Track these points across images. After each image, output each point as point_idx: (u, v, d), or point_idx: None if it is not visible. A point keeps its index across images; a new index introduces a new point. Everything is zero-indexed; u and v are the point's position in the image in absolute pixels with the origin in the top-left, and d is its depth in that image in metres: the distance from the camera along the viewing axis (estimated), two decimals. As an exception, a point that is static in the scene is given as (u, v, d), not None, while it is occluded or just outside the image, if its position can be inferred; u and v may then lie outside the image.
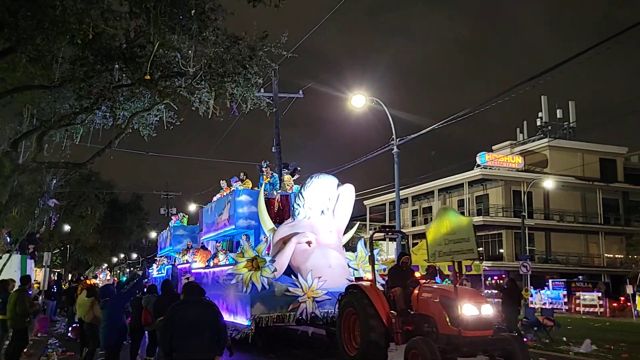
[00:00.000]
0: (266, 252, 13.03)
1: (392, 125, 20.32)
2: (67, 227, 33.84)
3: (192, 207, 30.50)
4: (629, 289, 28.51)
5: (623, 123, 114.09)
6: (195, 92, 12.26)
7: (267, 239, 13.61)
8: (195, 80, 11.64)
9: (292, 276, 12.67)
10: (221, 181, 16.86)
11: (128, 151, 24.49)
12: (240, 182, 15.44)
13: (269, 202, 14.36)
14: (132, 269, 57.67)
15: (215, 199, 17.09)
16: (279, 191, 14.96)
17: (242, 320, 12.37)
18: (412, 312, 9.53)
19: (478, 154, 43.92)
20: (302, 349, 13.21)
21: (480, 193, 45.58)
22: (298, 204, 13.29)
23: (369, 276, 12.49)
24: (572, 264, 42.76)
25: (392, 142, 20.34)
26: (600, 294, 31.82)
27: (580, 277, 37.99)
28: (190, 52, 11.04)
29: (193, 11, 10.29)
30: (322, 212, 13.51)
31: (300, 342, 13.89)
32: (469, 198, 45.74)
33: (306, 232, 13.13)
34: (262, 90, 13.28)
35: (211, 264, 15.42)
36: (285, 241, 13.07)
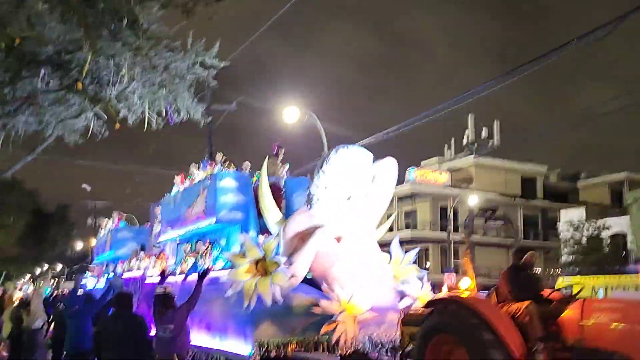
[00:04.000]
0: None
1: (324, 140, 20.75)
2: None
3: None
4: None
5: (543, 142, 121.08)
6: (125, 99, 12.13)
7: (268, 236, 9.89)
8: (128, 90, 11.55)
9: (324, 285, 9.13)
10: (191, 165, 13.28)
11: (53, 159, 23.61)
12: (215, 165, 12.07)
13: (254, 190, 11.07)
14: (57, 279, 54.99)
15: (173, 192, 13.64)
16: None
17: (237, 348, 8.92)
18: (562, 345, 6.20)
19: (408, 169, 45.38)
20: None
21: (409, 208, 46.98)
22: (317, 186, 9.56)
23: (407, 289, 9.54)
24: (494, 277, 44.74)
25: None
26: (518, 305, 33.52)
27: (501, 289, 39.94)
28: (123, 60, 10.99)
29: (125, 20, 10.32)
30: (349, 197, 9.83)
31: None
32: (398, 212, 47.04)
33: (332, 224, 9.56)
34: (195, 101, 13.16)
35: (177, 271, 11.84)
36: (303, 237, 9.51)
